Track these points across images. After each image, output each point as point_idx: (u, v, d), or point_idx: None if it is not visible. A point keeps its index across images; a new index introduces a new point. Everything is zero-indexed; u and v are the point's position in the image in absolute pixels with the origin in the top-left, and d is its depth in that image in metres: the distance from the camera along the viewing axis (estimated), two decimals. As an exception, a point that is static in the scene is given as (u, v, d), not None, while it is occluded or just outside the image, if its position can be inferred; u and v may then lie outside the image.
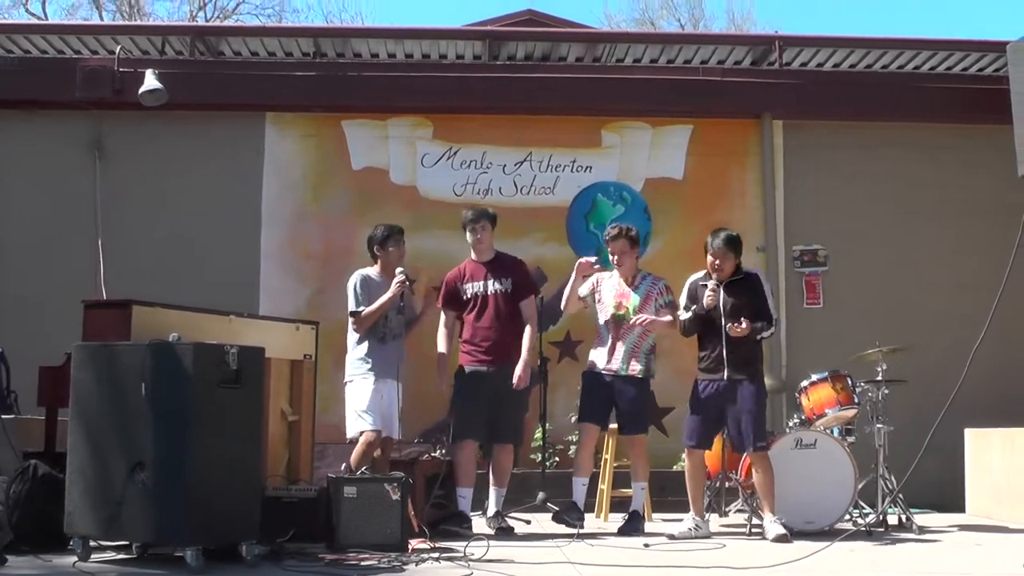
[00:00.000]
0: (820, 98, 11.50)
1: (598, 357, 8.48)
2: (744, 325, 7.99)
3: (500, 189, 11.31)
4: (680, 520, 8.23)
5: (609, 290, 8.54)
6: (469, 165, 11.42)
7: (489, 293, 8.37)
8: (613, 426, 8.81)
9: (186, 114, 11.06)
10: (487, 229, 8.46)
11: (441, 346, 8.46)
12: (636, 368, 8.39)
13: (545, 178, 11.44)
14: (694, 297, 8.30)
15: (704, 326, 8.25)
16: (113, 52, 11.22)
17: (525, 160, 11.45)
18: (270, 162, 11.36)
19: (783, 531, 7.82)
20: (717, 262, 8.22)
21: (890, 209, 11.42)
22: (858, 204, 11.41)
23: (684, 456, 8.39)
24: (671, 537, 7.89)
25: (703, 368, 8.26)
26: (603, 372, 8.42)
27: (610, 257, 8.60)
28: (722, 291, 8.18)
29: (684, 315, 8.32)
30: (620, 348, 8.40)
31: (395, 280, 8.09)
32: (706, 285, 8.20)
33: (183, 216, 11.07)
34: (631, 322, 8.37)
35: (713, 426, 8.21)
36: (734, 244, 8.30)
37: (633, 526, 8.29)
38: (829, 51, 11.95)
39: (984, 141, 10.91)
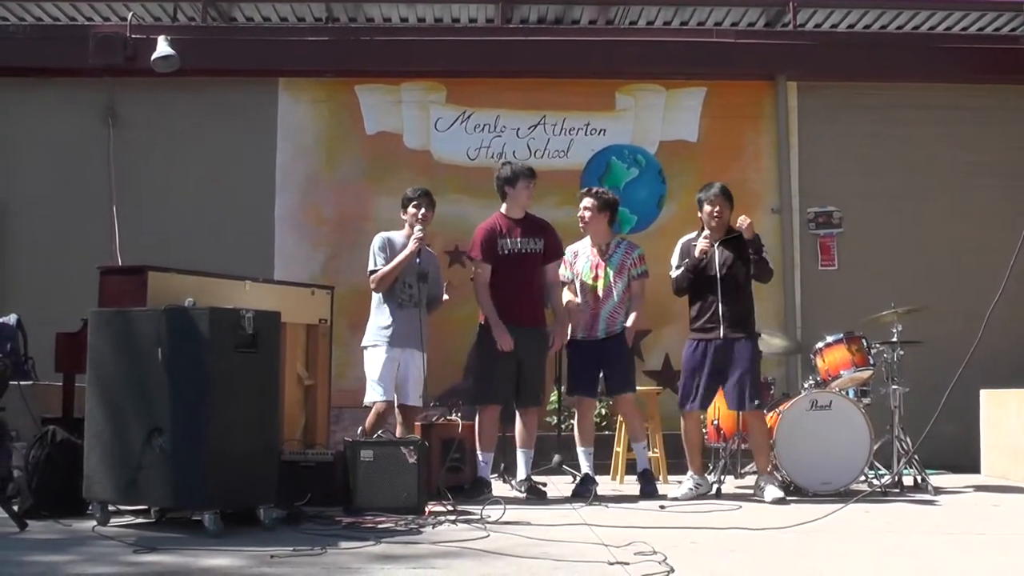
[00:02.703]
0: (835, 59, 11.43)
1: (580, 326, 8.47)
2: (749, 222, 8.08)
3: (514, 153, 11.27)
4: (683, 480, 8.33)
5: (584, 261, 8.55)
6: (483, 129, 11.40)
7: (525, 252, 8.28)
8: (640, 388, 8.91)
9: (199, 80, 11.07)
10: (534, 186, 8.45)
11: (489, 303, 8.16)
12: (615, 328, 8.43)
13: (559, 141, 11.42)
14: (687, 254, 8.31)
15: (697, 283, 8.28)
16: (125, 19, 11.21)
17: (539, 123, 11.43)
18: (283, 128, 11.36)
19: (780, 494, 7.88)
20: (716, 209, 8.24)
21: (905, 170, 11.38)
22: (873, 165, 11.37)
23: (681, 417, 8.41)
24: (673, 499, 7.92)
25: (697, 328, 8.30)
26: (587, 340, 8.44)
27: (581, 222, 8.59)
28: (718, 248, 8.21)
29: (675, 272, 8.37)
30: (600, 316, 8.44)
31: (413, 236, 8.07)
32: (705, 238, 8.25)
33: (197, 182, 11.10)
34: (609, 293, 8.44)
35: (711, 386, 8.21)
36: (729, 194, 8.33)
37: (649, 488, 8.31)
38: (843, 11, 11.88)
39: (999, 101, 10.87)
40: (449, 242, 10.70)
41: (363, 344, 8.22)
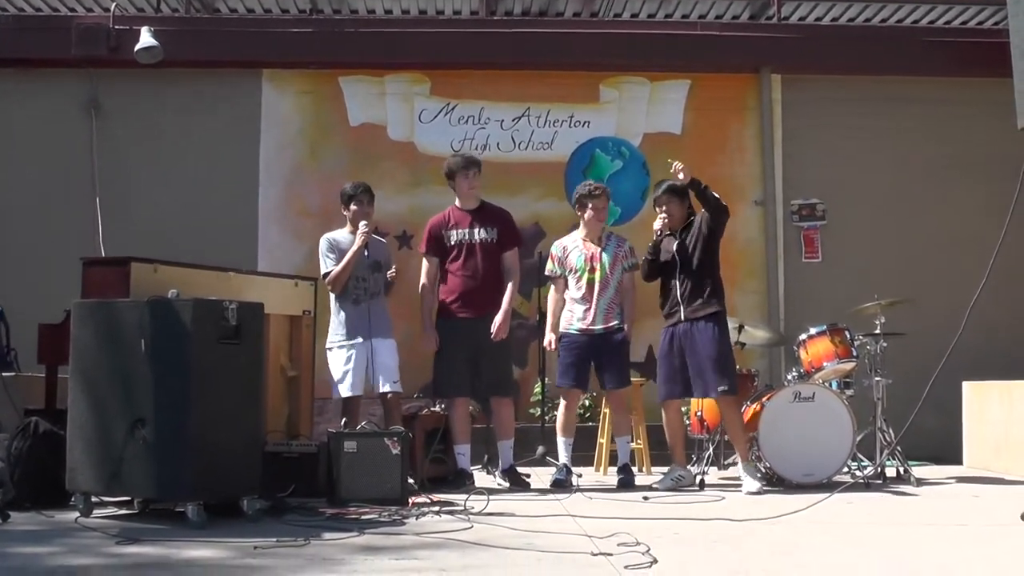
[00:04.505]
0: (819, 52, 11.45)
1: (575, 319, 8.45)
2: (681, 167, 8.03)
3: (498, 144, 11.29)
4: (667, 471, 8.37)
5: (578, 254, 8.53)
6: (467, 121, 11.39)
7: (475, 241, 8.30)
8: None
9: (182, 72, 11.04)
10: (479, 176, 8.43)
11: (427, 297, 8.32)
12: (614, 323, 8.44)
13: (543, 133, 11.42)
14: (656, 247, 8.38)
15: (660, 273, 8.38)
16: (108, 10, 11.18)
17: (523, 115, 11.42)
18: (267, 119, 11.34)
19: (757, 487, 7.89)
20: (664, 208, 8.31)
21: (889, 163, 11.41)
22: (857, 158, 11.40)
23: (662, 409, 8.45)
24: (654, 490, 7.96)
25: (665, 315, 8.38)
26: (582, 332, 8.42)
27: (589, 214, 8.54)
28: (676, 239, 8.31)
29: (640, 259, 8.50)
30: (597, 307, 8.41)
31: (359, 232, 8.05)
32: (669, 235, 8.33)
33: (180, 173, 11.07)
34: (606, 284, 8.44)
35: (684, 374, 8.22)
36: (676, 190, 8.32)
37: (627, 479, 8.33)
38: (828, 4, 11.92)
39: (983, 95, 10.86)
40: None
41: (326, 345, 8.22)
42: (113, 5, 11.17)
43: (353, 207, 8.22)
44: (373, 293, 8.15)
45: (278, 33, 11.35)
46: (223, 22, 11.76)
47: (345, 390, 7.99)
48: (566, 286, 8.55)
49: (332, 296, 8.20)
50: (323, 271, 8.17)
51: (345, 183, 8.47)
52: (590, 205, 8.51)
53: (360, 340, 8.03)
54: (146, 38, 10.53)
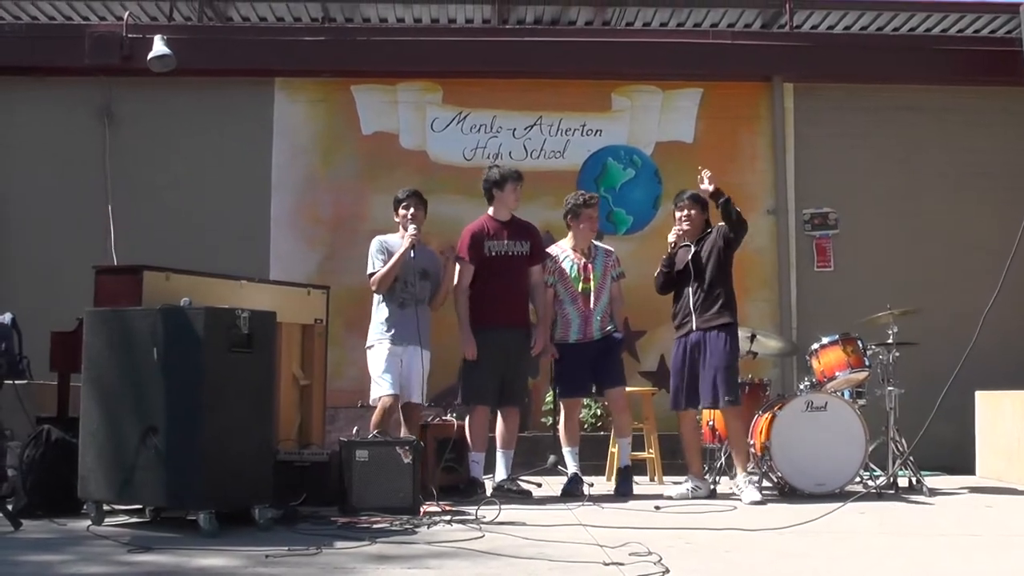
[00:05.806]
0: (831, 61, 11.45)
1: (572, 330, 8.46)
2: (709, 175, 8.12)
3: (510, 153, 11.29)
4: (683, 481, 8.36)
5: (570, 265, 8.53)
6: (479, 129, 11.41)
7: (512, 254, 8.33)
8: (631, 388, 8.92)
9: (195, 80, 11.06)
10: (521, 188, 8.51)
11: (465, 309, 8.26)
12: (609, 327, 8.47)
13: (555, 142, 11.43)
14: (671, 259, 8.38)
15: (676, 283, 8.37)
16: (121, 18, 11.23)
17: (535, 124, 11.43)
18: (279, 127, 11.37)
19: (758, 496, 7.88)
20: (684, 214, 8.36)
21: (901, 172, 11.39)
22: (869, 167, 11.39)
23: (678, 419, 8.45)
24: (668, 499, 7.95)
25: (676, 325, 8.39)
26: (579, 342, 8.43)
27: (584, 223, 8.54)
28: (691, 249, 8.30)
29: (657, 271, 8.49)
30: (593, 316, 8.42)
31: (407, 235, 8.09)
32: (685, 246, 8.33)
33: (193, 182, 11.10)
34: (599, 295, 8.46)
35: (694, 384, 8.21)
36: (699, 199, 8.38)
37: (624, 488, 8.33)
38: (840, 13, 11.90)
39: (996, 103, 10.89)
40: (445, 243, 10.68)
41: (367, 344, 8.23)
42: (126, 14, 11.22)
43: (402, 211, 8.25)
44: (419, 300, 8.17)
45: (290, 42, 11.39)
46: (235, 31, 11.80)
47: (385, 387, 7.97)
48: (555, 295, 8.55)
49: (376, 297, 8.22)
50: (369, 270, 8.21)
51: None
52: (583, 215, 8.53)
53: (402, 346, 8.05)
54: (159, 47, 10.54)
